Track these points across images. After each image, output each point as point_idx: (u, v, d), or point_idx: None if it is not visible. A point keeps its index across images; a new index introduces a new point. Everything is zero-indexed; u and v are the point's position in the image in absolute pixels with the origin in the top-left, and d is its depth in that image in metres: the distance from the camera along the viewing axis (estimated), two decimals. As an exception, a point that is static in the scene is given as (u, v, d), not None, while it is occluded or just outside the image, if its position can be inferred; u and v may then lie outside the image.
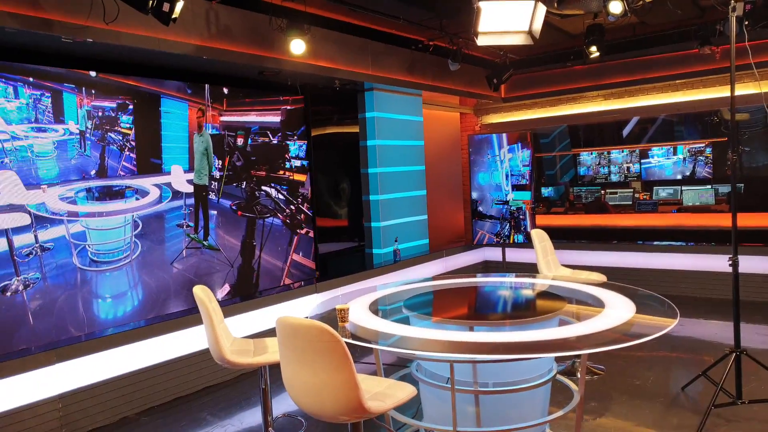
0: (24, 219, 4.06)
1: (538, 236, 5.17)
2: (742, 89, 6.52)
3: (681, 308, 3.19)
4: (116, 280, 4.63)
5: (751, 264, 6.28)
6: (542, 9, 3.63)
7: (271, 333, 4.84)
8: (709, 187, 7.33)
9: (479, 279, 4.67)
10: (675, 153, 7.61)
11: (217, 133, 5.38)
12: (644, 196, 7.81)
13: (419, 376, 3.24)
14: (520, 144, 8.25)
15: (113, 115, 4.61)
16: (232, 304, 4.89)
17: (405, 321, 3.22)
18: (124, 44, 4.06)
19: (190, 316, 4.55)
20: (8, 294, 3.98)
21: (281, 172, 6.02)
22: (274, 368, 2.89)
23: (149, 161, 4.87)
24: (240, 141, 5.58)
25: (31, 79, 4.10)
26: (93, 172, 4.49)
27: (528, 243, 8.12)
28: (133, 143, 4.74)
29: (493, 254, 8.48)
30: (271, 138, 5.91)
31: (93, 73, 4.48)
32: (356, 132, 6.87)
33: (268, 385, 3.39)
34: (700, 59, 6.76)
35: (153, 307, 4.86)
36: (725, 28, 5.49)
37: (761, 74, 6.47)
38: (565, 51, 7.31)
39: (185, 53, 4.46)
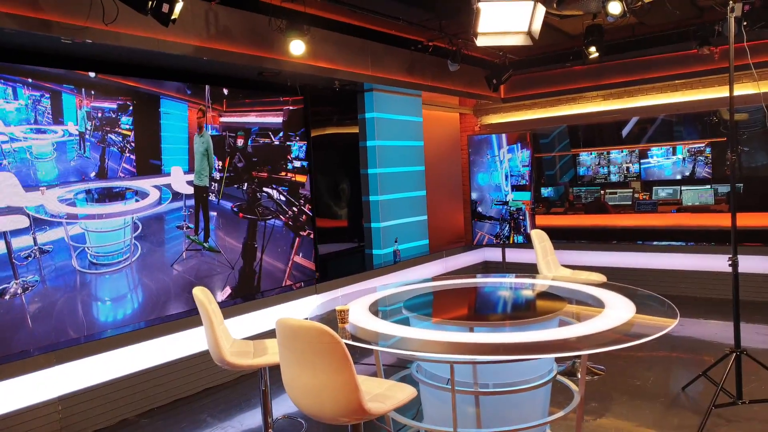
0: (23, 221, 4.04)
1: (538, 236, 5.17)
2: (741, 89, 6.53)
3: (681, 308, 3.19)
4: (116, 283, 4.61)
5: (750, 264, 6.28)
6: (541, 9, 3.63)
7: (271, 334, 4.83)
8: (709, 187, 7.33)
9: (479, 279, 4.66)
10: (674, 153, 7.62)
11: (218, 134, 5.38)
12: (644, 196, 7.81)
13: (419, 377, 3.23)
14: (519, 144, 8.25)
15: (113, 116, 4.60)
16: (232, 306, 4.89)
17: (405, 322, 3.21)
18: (123, 45, 4.06)
19: (190, 317, 4.54)
20: (7, 297, 3.95)
21: (283, 173, 6.01)
22: (274, 370, 2.89)
23: (149, 162, 4.86)
24: (240, 142, 5.58)
25: (30, 80, 4.09)
26: (92, 174, 4.47)
27: (528, 243, 8.12)
28: (132, 144, 4.72)
29: (493, 255, 8.48)
30: (273, 139, 5.91)
31: (92, 74, 4.47)
32: (356, 132, 6.86)
33: (268, 387, 3.38)
34: (699, 60, 6.77)
35: (153, 310, 4.85)
36: (724, 29, 5.51)
37: (760, 74, 6.48)
38: (564, 51, 7.32)
39: (185, 54, 4.46)
